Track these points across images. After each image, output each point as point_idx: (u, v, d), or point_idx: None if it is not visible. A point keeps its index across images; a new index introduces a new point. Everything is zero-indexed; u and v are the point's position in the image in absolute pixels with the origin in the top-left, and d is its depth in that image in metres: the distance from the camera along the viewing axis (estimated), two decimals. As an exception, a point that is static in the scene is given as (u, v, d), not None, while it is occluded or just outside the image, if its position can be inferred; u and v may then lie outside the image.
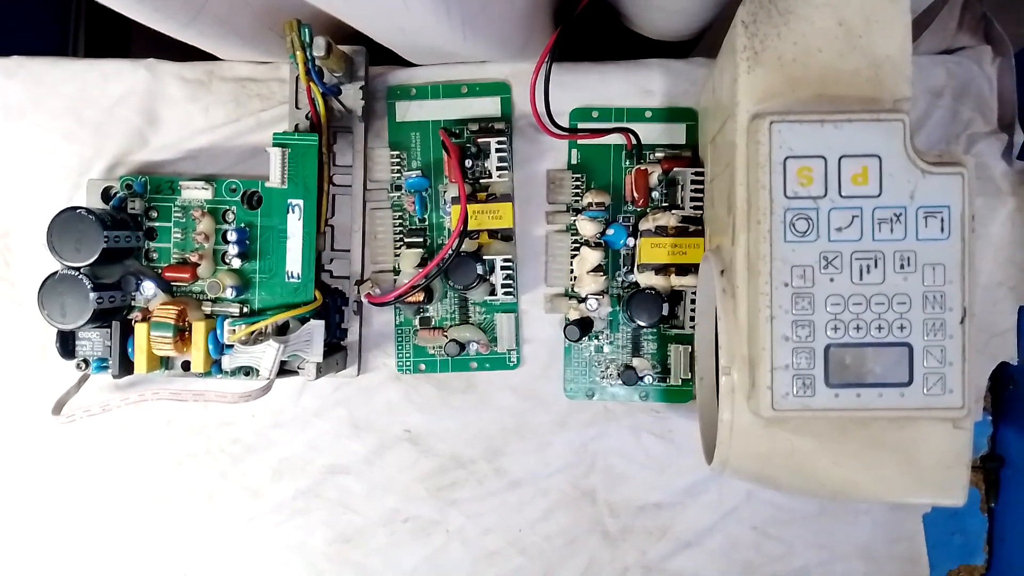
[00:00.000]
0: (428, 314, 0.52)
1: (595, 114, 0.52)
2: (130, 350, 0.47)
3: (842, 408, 0.35)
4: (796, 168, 0.35)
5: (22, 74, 0.52)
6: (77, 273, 0.45)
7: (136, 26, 0.43)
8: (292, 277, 0.48)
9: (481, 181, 0.50)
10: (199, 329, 0.46)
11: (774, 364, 0.35)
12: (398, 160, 0.52)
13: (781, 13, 0.37)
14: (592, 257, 0.50)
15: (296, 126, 0.49)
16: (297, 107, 0.50)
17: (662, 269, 0.49)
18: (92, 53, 0.73)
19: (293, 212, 0.48)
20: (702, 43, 0.55)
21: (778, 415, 0.35)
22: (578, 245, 0.51)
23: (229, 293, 0.48)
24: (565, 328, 0.51)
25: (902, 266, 0.35)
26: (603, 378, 0.52)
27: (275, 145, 0.47)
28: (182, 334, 0.47)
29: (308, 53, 0.46)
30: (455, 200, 0.49)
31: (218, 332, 0.46)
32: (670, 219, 0.49)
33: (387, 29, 0.45)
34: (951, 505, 0.37)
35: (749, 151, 0.36)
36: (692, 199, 0.48)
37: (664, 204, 0.51)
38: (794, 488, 0.39)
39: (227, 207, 0.49)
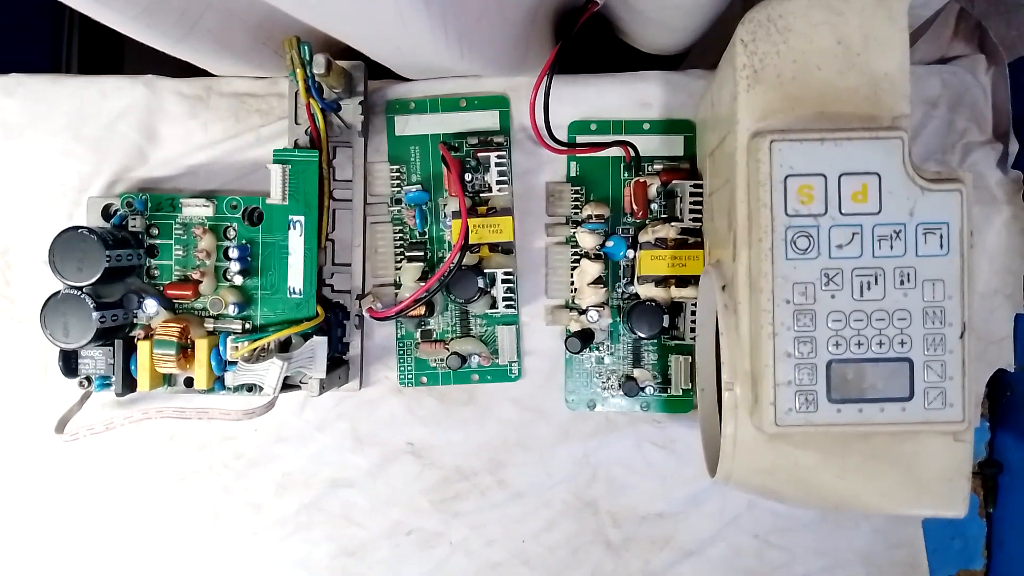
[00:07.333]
0: (429, 327, 0.52)
1: (593, 126, 0.52)
2: (133, 368, 0.47)
3: (844, 423, 0.35)
4: (796, 186, 0.35)
5: (21, 92, 0.52)
6: (80, 293, 0.45)
7: (130, 42, 0.43)
8: (294, 293, 0.48)
9: (481, 195, 0.50)
10: (202, 346, 0.46)
11: (777, 380, 0.35)
12: (398, 174, 0.52)
13: (780, 31, 0.37)
14: (592, 269, 0.51)
15: (296, 142, 0.50)
16: (297, 123, 0.50)
17: (662, 281, 0.49)
18: (86, 69, 0.72)
19: (294, 228, 0.48)
20: (691, 55, 0.56)
21: (781, 430, 0.36)
22: (578, 257, 0.52)
23: (231, 310, 0.48)
24: (566, 340, 0.51)
25: (902, 282, 0.35)
26: (604, 389, 0.52)
27: (276, 162, 0.47)
28: (185, 351, 0.47)
29: (308, 70, 0.46)
30: (455, 214, 0.49)
31: (221, 349, 0.47)
32: (669, 231, 0.49)
33: (383, 47, 0.45)
34: (952, 517, 0.37)
35: (750, 169, 0.36)
36: (691, 211, 0.48)
37: (663, 216, 0.51)
38: (797, 501, 0.39)
39: (228, 224, 0.49)
